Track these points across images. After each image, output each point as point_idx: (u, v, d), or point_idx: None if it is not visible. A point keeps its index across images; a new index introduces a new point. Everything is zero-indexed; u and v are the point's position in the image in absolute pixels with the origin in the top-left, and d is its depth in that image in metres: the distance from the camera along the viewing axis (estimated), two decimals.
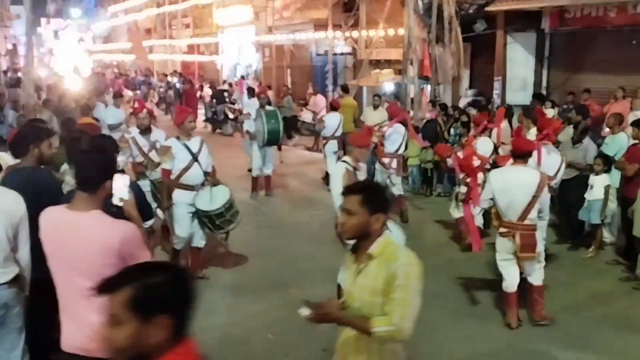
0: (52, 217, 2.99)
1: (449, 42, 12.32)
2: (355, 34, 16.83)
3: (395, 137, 8.84)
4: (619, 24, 11.36)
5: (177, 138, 6.34)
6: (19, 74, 20.54)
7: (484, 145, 7.41)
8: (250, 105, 11.78)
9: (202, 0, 26.74)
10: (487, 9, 13.00)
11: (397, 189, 8.79)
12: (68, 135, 5.25)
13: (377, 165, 9.08)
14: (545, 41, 13.34)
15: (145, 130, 7.27)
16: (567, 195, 7.76)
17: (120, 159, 4.93)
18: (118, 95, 12.37)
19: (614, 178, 7.35)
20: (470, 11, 13.11)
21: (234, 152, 13.38)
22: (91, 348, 2.90)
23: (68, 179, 4.40)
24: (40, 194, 3.65)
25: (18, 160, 4.32)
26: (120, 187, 3.14)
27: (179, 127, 6.39)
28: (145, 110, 7.58)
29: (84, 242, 2.85)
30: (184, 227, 6.33)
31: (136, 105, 8.34)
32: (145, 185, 6.55)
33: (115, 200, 3.14)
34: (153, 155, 7.05)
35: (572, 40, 12.86)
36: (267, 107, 10.38)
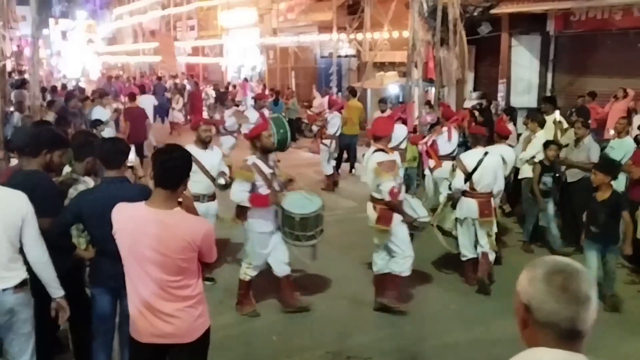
0: (130, 214, 3.14)
1: (454, 45, 12.30)
2: (359, 36, 16.84)
3: (334, 121, 11.37)
4: (625, 27, 11.33)
5: (382, 150, 5.66)
6: (25, 76, 20.60)
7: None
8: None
9: (207, 2, 26.82)
10: (492, 11, 12.98)
11: (331, 167, 11.31)
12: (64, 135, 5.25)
13: (321, 145, 11.39)
14: (550, 44, 13.31)
15: (205, 145, 6.46)
16: (572, 198, 7.75)
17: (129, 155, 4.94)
18: (103, 95, 12.81)
19: (619, 182, 7.32)
20: (475, 14, 13.09)
21: (238, 153, 13.38)
22: (165, 335, 3.12)
23: (81, 186, 4.38)
24: (38, 198, 3.62)
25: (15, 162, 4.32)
26: None
27: (384, 138, 5.72)
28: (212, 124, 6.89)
29: (170, 238, 3.02)
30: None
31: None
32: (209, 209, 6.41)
33: None
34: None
35: (577, 43, 12.83)
36: (272, 114, 10.02)
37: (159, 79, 24.12)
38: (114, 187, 3.75)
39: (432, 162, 8.41)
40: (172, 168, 3.10)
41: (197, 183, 6.09)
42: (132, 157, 5.25)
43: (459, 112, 10.08)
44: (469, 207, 6.47)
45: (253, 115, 10.21)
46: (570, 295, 1.56)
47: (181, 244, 3.02)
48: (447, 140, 8.50)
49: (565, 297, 1.56)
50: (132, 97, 13.48)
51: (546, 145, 7.62)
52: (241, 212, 5.73)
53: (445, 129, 8.61)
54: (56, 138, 4.36)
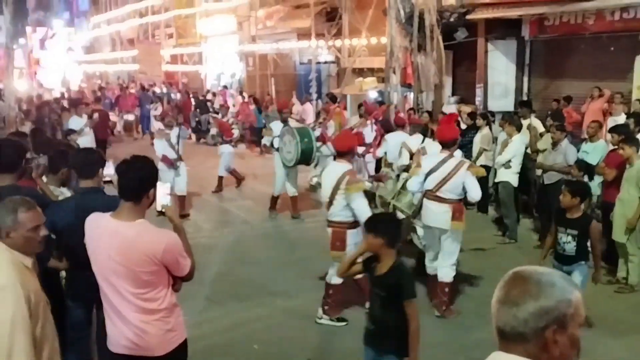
0: (96, 224, 3.11)
1: (431, 50, 12.41)
2: (338, 42, 16.93)
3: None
4: (597, 31, 11.51)
5: None
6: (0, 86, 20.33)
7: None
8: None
9: (185, 10, 26.72)
10: (468, 17, 13.11)
11: None
12: (38, 146, 5.21)
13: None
14: (525, 48, 13.47)
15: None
16: (550, 200, 7.85)
17: (107, 170, 4.90)
18: (78, 104, 13.21)
19: (594, 184, 7.44)
20: (452, 19, 13.21)
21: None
22: (135, 347, 3.09)
23: (59, 191, 4.36)
24: None
25: None
26: (161, 195, 3.20)
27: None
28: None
29: (128, 250, 2.97)
30: None
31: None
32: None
33: (158, 207, 3.21)
34: None
35: (551, 48, 13.01)
36: (297, 124, 9.78)
37: (143, 89, 23.18)
38: (87, 198, 3.73)
39: (361, 149, 9.59)
40: (132, 179, 3.03)
41: None
42: (111, 171, 5.16)
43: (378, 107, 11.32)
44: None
45: (277, 128, 9.62)
46: (500, 294, 1.57)
47: (141, 257, 2.95)
48: (370, 132, 10.10)
49: (497, 295, 1.58)
50: (97, 99, 17.20)
51: (568, 184, 5.66)
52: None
53: (368, 122, 10.20)
54: (21, 149, 4.32)
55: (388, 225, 3.74)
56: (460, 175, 5.77)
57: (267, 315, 5.99)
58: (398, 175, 8.01)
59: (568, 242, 5.29)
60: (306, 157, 8.95)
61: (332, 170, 5.66)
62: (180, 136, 9.75)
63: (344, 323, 5.77)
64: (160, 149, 9.55)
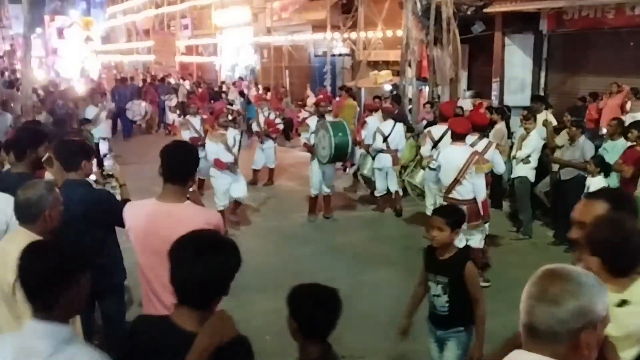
0: (142, 210, 3.18)
1: (447, 44, 12.31)
2: (353, 35, 16.85)
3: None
4: (617, 26, 11.36)
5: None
6: (18, 75, 20.46)
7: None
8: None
9: (201, 1, 26.74)
10: (485, 10, 12.99)
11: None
12: (61, 135, 5.23)
13: None
14: (543, 43, 13.34)
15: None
16: (566, 196, 7.77)
17: (107, 163, 4.90)
18: (93, 93, 13.51)
19: (612, 180, 7.35)
20: (469, 13, 13.09)
21: None
22: None
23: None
24: None
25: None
26: None
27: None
28: None
29: (183, 230, 2.97)
30: None
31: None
32: None
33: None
34: None
35: (569, 42, 12.86)
36: (331, 118, 9.23)
37: (162, 80, 22.48)
38: (69, 190, 3.67)
39: None
40: (180, 163, 3.18)
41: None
42: (111, 163, 5.15)
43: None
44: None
45: (314, 123, 9.15)
46: (536, 290, 1.54)
47: None
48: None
49: (531, 291, 1.55)
50: (123, 80, 18.96)
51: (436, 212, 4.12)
52: None
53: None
54: (36, 135, 4.34)
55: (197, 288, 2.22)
56: (490, 152, 6.82)
57: (281, 307, 5.98)
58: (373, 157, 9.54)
59: (437, 294, 3.72)
60: (341, 153, 8.65)
61: (457, 153, 6.38)
62: (236, 140, 8.69)
63: (488, 284, 6.23)
64: (214, 152, 8.35)
